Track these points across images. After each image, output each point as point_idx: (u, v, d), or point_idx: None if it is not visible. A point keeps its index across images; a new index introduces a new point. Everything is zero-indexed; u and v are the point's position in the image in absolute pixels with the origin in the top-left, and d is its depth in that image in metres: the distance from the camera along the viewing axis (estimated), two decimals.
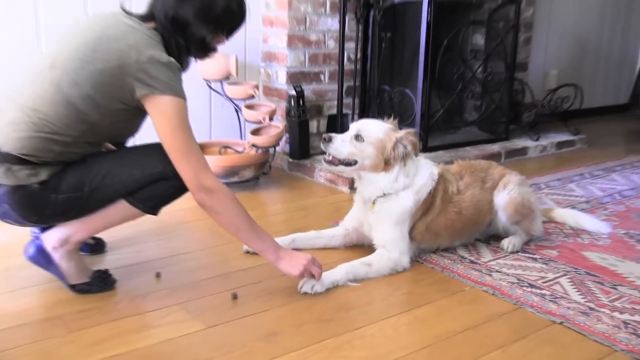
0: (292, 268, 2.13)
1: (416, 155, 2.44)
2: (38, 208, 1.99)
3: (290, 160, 3.83)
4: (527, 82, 4.88)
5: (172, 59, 1.95)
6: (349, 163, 2.37)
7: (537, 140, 4.58)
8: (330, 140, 2.36)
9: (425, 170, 2.46)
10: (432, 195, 2.45)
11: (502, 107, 4.51)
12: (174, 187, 2.05)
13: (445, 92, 4.29)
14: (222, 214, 2.03)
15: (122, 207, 2.06)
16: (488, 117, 4.55)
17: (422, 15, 3.83)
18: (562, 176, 3.91)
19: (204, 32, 2.05)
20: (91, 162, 2.03)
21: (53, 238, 2.09)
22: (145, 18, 2.03)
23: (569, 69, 5.75)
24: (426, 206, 2.45)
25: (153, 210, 2.11)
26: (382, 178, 2.38)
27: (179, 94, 1.94)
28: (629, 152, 4.66)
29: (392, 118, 2.48)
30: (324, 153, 2.41)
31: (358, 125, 2.40)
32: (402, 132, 2.39)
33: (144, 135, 2.17)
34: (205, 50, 2.14)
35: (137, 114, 2.01)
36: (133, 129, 2.13)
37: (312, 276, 2.17)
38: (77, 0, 3.19)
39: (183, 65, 2.09)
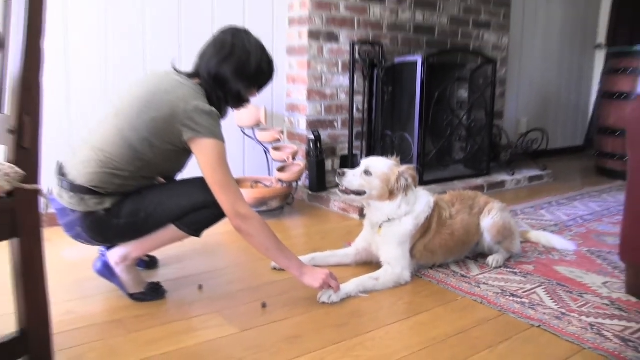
0: (314, 281, 2.09)
1: (415, 187, 2.40)
2: (103, 230, 1.98)
3: (310, 192, 3.79)
4: (503, 128, 4.86)
5: (213, 109, 1.94)
6: (359, 193, 2.34)
7: (513, 175, 4.53)
8: (344, 174, 2.34)
9: (423, 199, 2.42)
10: (429, 220, 2.41)
11: (483, 148, 4.47)
12: (214, 214, 2.02)
13: (437, 136, 4.27)
14: (254, 237, 1.99)
15: (171, 230, 2.03)
16: (472, 157, 4.50)
17: (417, 73, 3.83)
18: (534, 204, 3.84)
19: (240, 87, 2.05)
20: (146, 193, 2.01)
21: (115, 255, 2.08)
22: (192, 75, 2.05)
23: (536, 117, 5.74)
24: (424, 229, 2.40)
25: (197, 233, 2.08)
26: (387, 206, 2.34)
27: (219, 137, 1.92)
28: (585, 185, 4.62)
29: (394, 156, 2.45)
30: (338, 185, 2.37)
31: (367, 162, 2.37)
32: (403, 168, 2.36)
33: (190, 170, 2.15)
34: (240, 102, 2.13)
35: (184, 153, 2.00)
36: (180, 166, 2.12)
37: (331, 288, 2.13)
38: (138, 63, 3.24)
39: (222, 113, 2.08)
